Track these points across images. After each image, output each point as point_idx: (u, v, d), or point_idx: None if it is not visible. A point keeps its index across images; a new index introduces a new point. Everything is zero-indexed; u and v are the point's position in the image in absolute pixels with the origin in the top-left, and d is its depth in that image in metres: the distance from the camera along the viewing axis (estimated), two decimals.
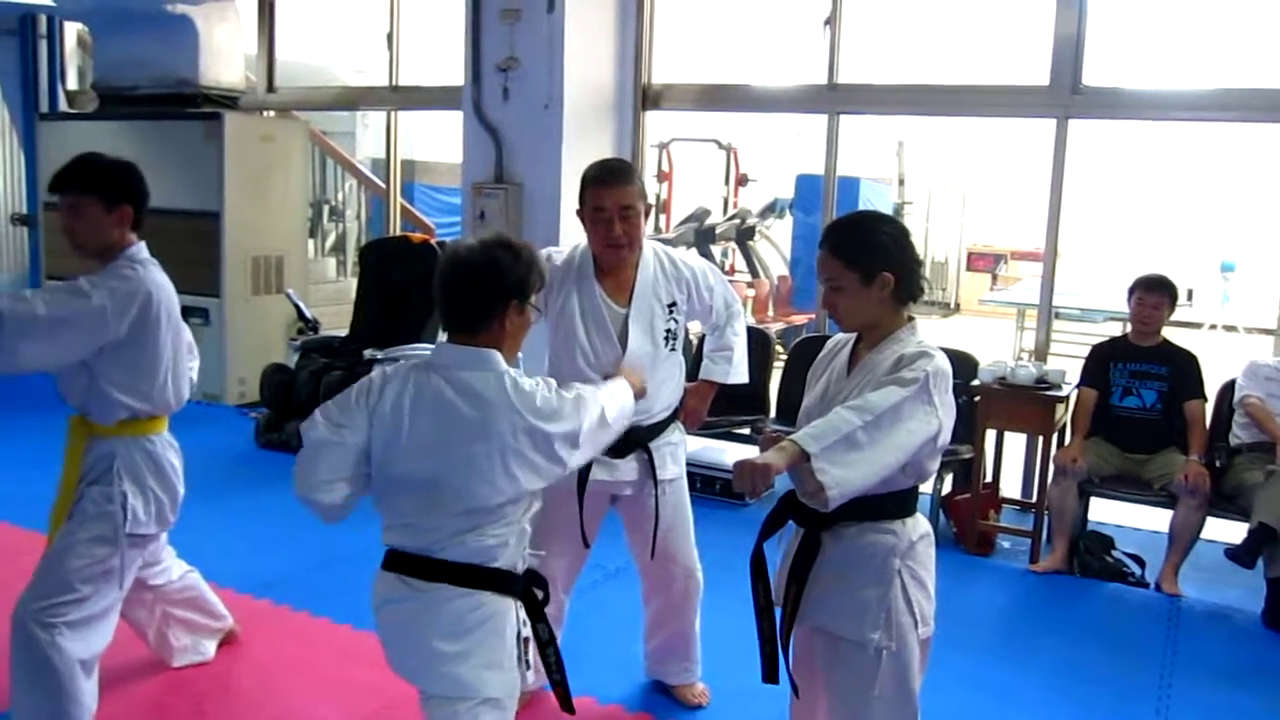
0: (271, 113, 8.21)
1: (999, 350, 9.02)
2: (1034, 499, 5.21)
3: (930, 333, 2.36)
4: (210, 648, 3.63)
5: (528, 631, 2.36)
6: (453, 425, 2.22)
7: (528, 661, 2.34)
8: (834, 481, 2.10)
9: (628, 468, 3.19)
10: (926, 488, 5.20)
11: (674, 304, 3.18)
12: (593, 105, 6.24)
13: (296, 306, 7.11)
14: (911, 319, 2.38)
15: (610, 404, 2.47)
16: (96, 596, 2.87)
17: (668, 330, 3.16)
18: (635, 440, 3.16)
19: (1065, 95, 5.49)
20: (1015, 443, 5.70)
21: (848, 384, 2.36)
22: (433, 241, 6.96)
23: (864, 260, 2.30)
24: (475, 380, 2.23)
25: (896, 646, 2.28)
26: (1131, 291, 4.95)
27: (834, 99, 6.10)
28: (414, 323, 6.68)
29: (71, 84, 8.73)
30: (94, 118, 8.01)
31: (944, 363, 2.27)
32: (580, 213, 3.14)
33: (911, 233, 2.43)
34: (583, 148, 6.01)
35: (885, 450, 2.14)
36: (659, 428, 3.22)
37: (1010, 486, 5.70)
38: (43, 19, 8.36)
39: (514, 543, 2.31)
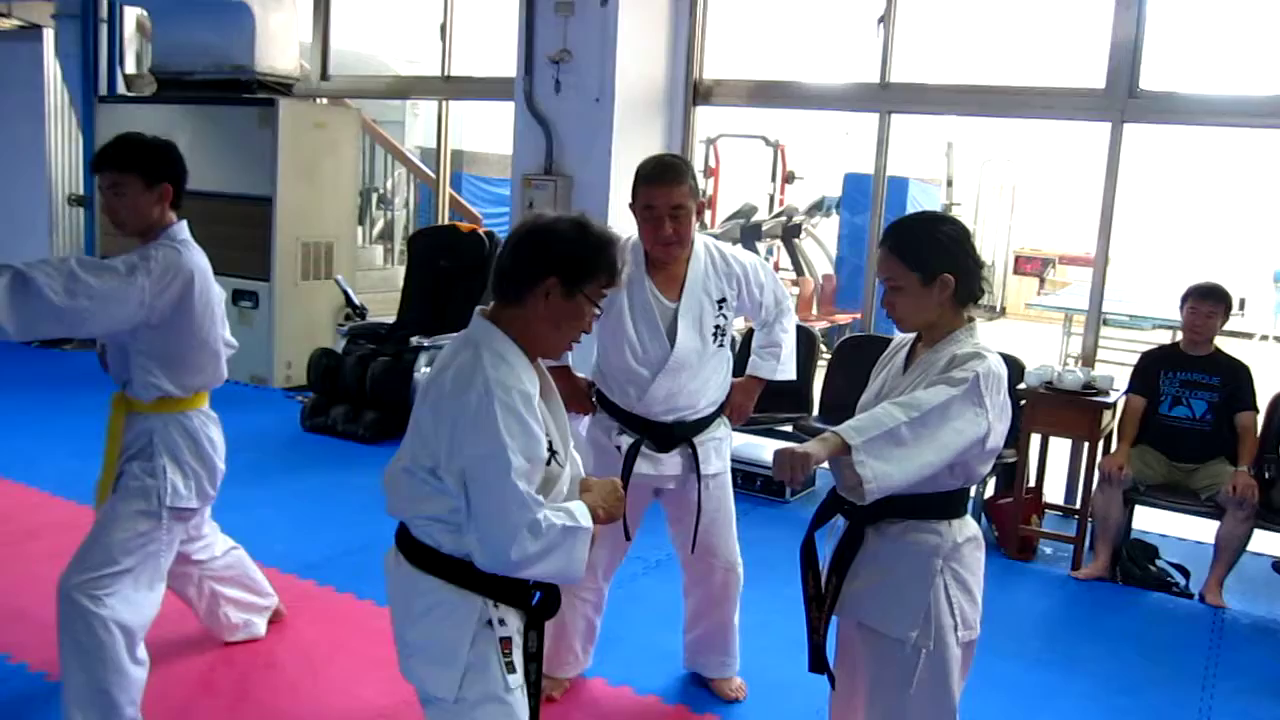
0: (324, 100, 8.30)
1: (1045, 356, 8.92)
2: (1077, 505, 5.17)
3: (987, 341, 2.34)
4: (262, 625, 3.69)
5: (506, 631, 2.11)
6: (426, 395, 2.08)
7: (510, 664, 2.10)
8: (873, 475, 2.10)
9: (672, 462, 3.20)
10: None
11: (724, 300, 3.18)
12: (644, 99, 6.26)
13: (345, 292, 7.19)
14: (971, 320, 2.37)
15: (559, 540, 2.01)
16: (140, 569, 2.92)
17: (717, 326, 3.17)
18: (680, 435, 3.18)
19: (1121, 99, 5.43)
20: (1060, 448, 5.66)
21: (903, 381, 2.36)
22: (480, 231, 7.01)
23: (925, 261, 2.29)
24: (460, 344, 2.09)
25: (935, 646, 2.28)
26: (1185, 299, 4.88)
27: (886, 98, 6.07)
28: (461, 311, 6.71)
29: (130, 68, 8.86)
30: (151, 101, 8.14)
31: (998, 365, 2.26)
32: (632, 207, 3.15)
33: (972, 234, 2.42)
34: (633, 141, 6.03)
35: (929, 448, 2.14)
36: (704, 423, 3.24)
37: (1054, 492, 5.65)
38: (104, 3, 8.48)
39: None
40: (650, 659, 3.67)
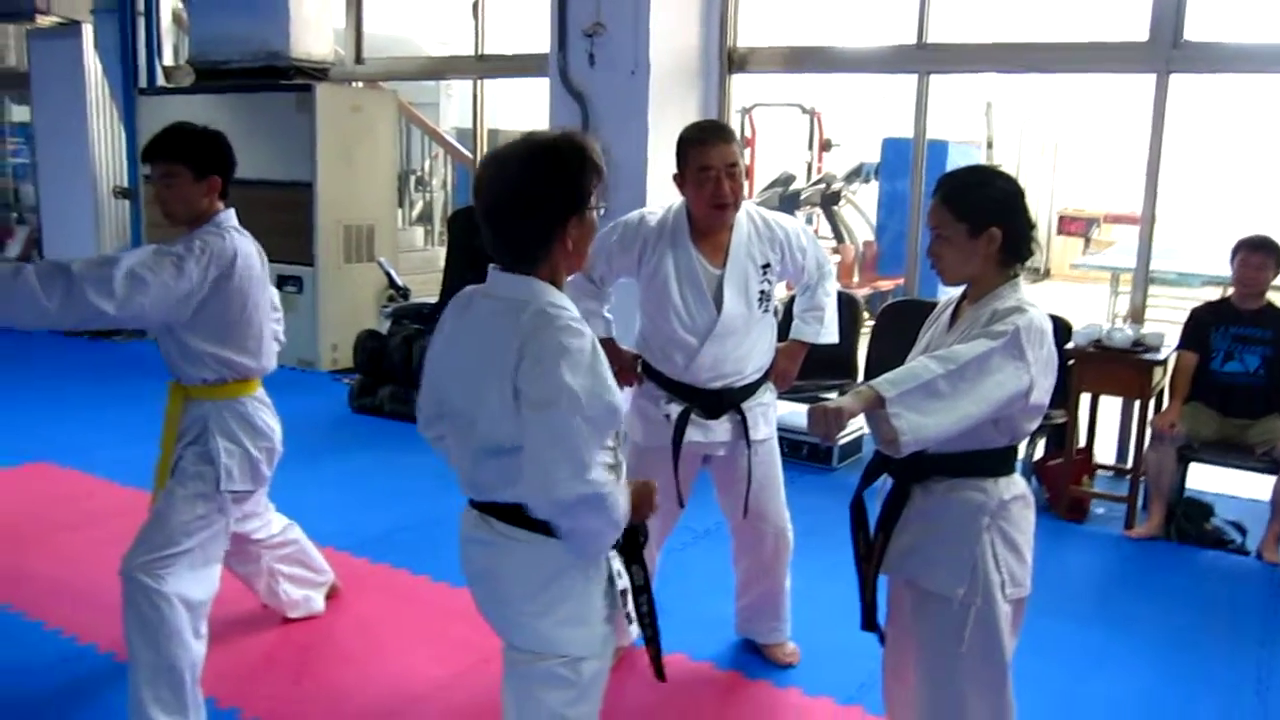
0: (360, 84, 8.34)
1: (1091, 317, 8.81)
2: (1129, 465, 5.11)
3: (1032, 297, 2.31)
4: (320, 601, 3.77)
5: (624, 583, 2.12)
6: (481, 360, 1.98)
7: (629, 615, 2.12)
8: (908, 428, 2.07)
9: (721, 429, 3.21)
10: (1018, 452, 5.19)
11: (768, 265, 3.18)
12: (679, 70, 6.23)
13: (388, 274, 7.25)
14: (1016, 276, 2.35)
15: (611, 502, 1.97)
16: (199, 549, 2.99)
17: (761, 291, 3.16)
18: (729, 401, 3.19)
19: (1166, 49, 5.32)
20: (1110, 408, 5.59)
21: (947, 339, 2.35)
22: None
23: (974, 213, 2.27)
24: (511, 308, 1.96)
25: (983, 603, 2.26)
26: (1235, 253, 4.80)
27: (923, 58, 6.00)
28: None
29: (168, 59, 8.95)
30: (190, 92, 8.23)
31: (1041, 318, 2.23)
32: (679, 176, 3.12)
33: (1026, 193, 2.36)
34: (669, 113, 6.00)
35: (968, 401, 2.11)
36: (751, 389, 3.24)
37: (1105, 452, 5.59)
38: None
39: None
40: (702, 626, 3.68)
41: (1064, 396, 4.95)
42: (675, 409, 3.18)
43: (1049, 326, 2.25)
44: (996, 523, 2.30)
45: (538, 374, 1.90)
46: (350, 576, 3.98)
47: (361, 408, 6.56)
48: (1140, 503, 4.85)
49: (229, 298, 2.97)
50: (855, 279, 11.09)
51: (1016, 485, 2.36)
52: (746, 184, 13.12)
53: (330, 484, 5.15)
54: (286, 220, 7.37)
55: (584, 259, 2.06)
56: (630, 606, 2.14)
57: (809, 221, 12.62)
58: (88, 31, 8.82)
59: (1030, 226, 2.33)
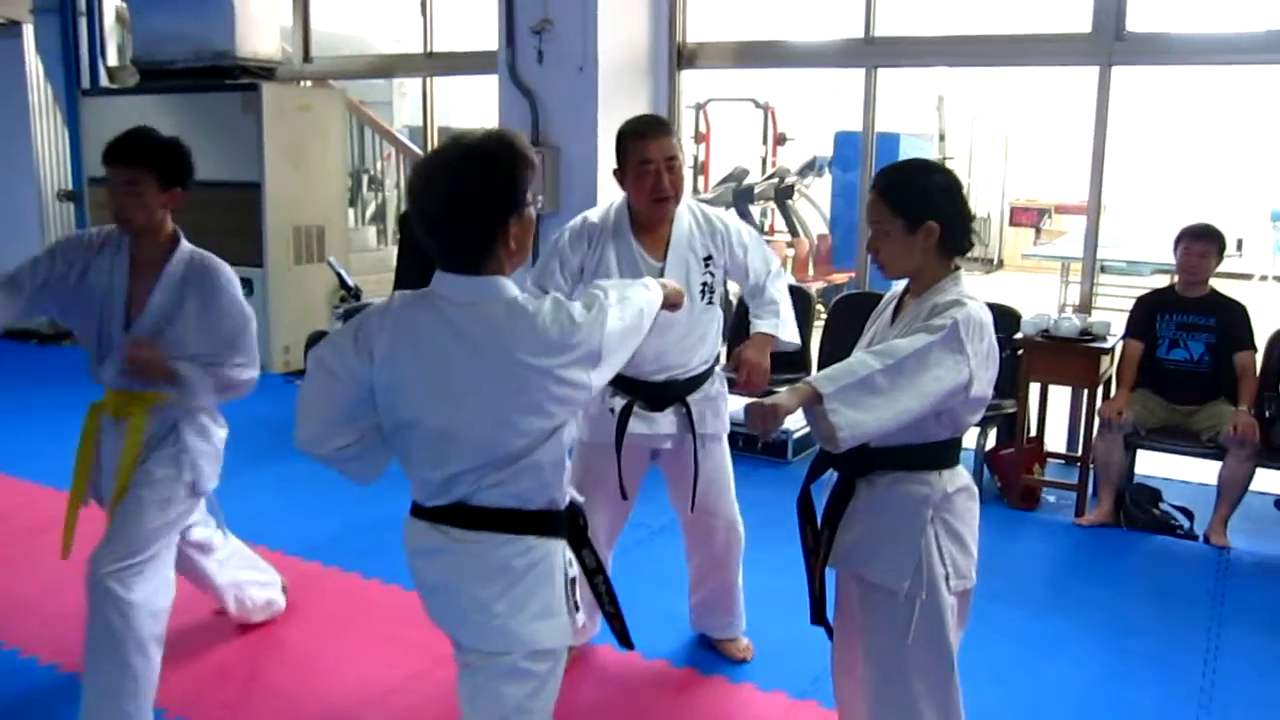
0: (309, 83, 8.24)
1: (1043, 306, 8.92)
2: (1079, 453, 5.17)
3: (975, 290, 2.32)
4: (282, 600, 3.72)
5: (575, 571, 2.16)
6: (460, 367, 1.95)
7: (576, 603, 2.14)
8: (846, 424, 2.07)
9: (666, 421, 3.20)
10: (970, 442, 5.23)
11: (710, 257, 3.18)
12: (628, 66, 6.22)
13: (339, 275, 7.17)
14: (957, 269, 2.35)
15: (631, 307, 2.10)
16: (166, 554, 2.95)
17: (704, 284, 3.16)
18: (673, 394, 3.18)
19: (1108, 42, 5.39)
20: (1060, 397, 5.66)
21: (890, 333, 2.35)
22: None
23: (910, 206, 2.27)
24: (480, 314, 1.96)
25: (928, 595, 2.27)
26: (1178, 241, 4.86)
27: (871, 53, 6.03)
28: None
29: (112, 60, 8.80)
30: (135, 92, 8.08)
31: (980, 311, 2.24)
32: (619, 171, 3.13)
33: (964, 185, 2.38)
34: (619, 109, 5.98)
35: (907, 396, 2.11)
36: (697, 381, 3.23)
37: (1055, 441, 5.66)
38: None
39: (552, 477, 2.07)
40: (658, 623, 3.67)
41: (1013, 386, 5.01)
42: (619, 402, 3.17)
43: (988, 319, 2.26)
44: (941, 515, 2.30)
45: (577, 338, 1.97)
46: (302, 581, 3.93)
47: None
48: (1090, 490, 4.91)
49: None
50: (810, 272, 11.13)
51: (960, 477, 2.37)
52: (701, 179, 13.16)
53: (281, 488, 5.09)
54: (235, 222, 7.25)
55: (526, 254, 2.05)
56: (578, 595, 2.15)
57: (764, 216, 12.67)
58: (29, 32, 8.64)
59: (968, 218, 2.33)
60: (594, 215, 3.24)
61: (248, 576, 3.58)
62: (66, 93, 8.38)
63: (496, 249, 1.97)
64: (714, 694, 3.33)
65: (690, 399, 3.20)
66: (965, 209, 2.33)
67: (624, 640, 2.39)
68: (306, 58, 8.25)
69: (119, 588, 2.83)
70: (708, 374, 3.27)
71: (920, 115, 15.96)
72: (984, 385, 2.22)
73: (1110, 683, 3.44)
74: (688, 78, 6.68)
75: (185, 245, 3.00)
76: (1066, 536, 4.74)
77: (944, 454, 2.34)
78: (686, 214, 3.19)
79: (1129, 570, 4.36)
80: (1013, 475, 5.07)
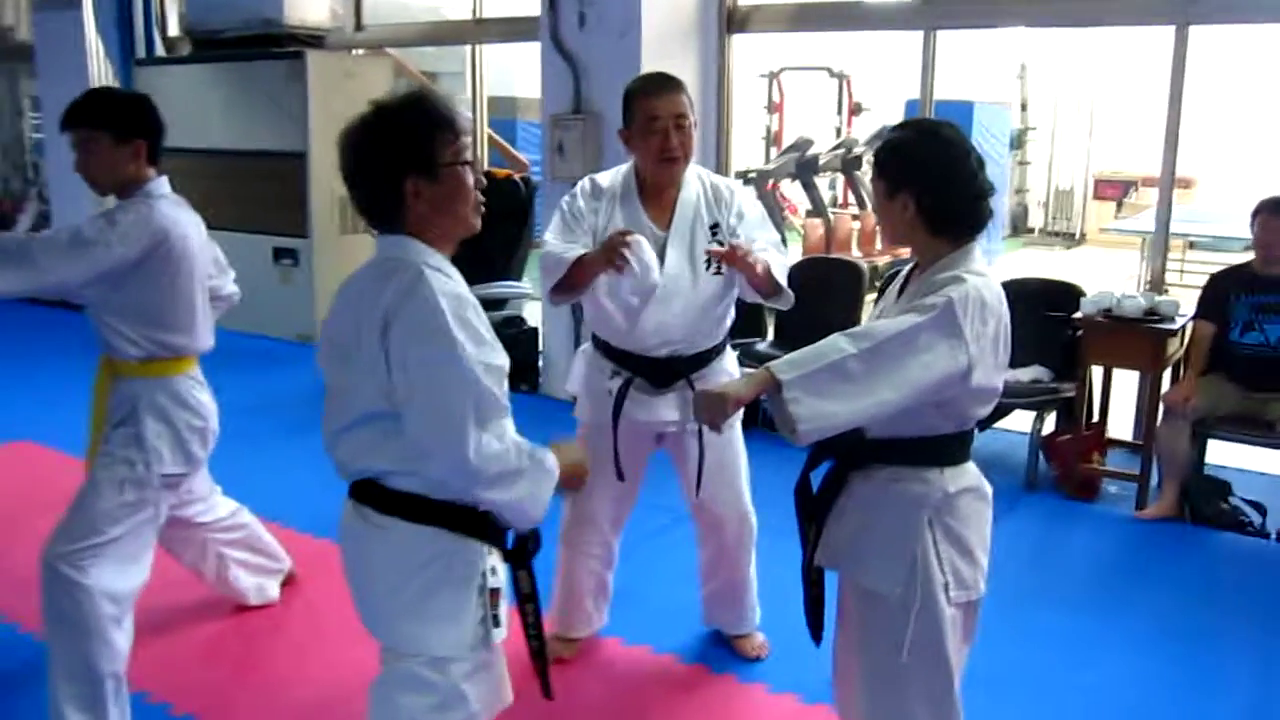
0: (361, 51, 8.14)
1: (1123, 283, 8.48)
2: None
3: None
4: (274, 589, 3.63)
5: (496, 582, 1.98)
6: (355, 315, 1.90)
7: (495, 618, 1.97)
8: (807, 414, 1.84)
9: (667, 404, 2.99)
10: (1024, 427, 4.92)
11: (717, 225, 2.96)
12: (674, 30, 5.96)
13: None
14: (967, 244, 2.08)
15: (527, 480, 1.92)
16: (127, 537, 2.83)
17: (710, 253, 2.93)
18: (675, 372, 2.96)
19: (1184, 1, 5.00)
20: (1128, 380, 5.30)
21: (894, 311, 2.11)
22: (517, 177, 6.83)
23: (885, 171, 2.04)
24: (385, 270, 1.90)
25: (923, 605, 2.03)
26: (1255, 215, 4.50)
27: (930, 13, 5.69)
28: (499, 259, 6.60)
29: (173, 29, 8.83)
30: (185, 62, 8.09)
31: (983, 290, 1.95)
32: (625, 131, 2.96)
33: (972, 154, 2.02)
34: None
35: (885, 385, 1.86)
36: (703, 359, 3.00)
37: (1121, 427, 5.31)
38: None
39: None
40: (671, 616, 3.50)
41: (1072, 368, 4.71)
42: (617, 384, 2.97)
43: (992, 297, 1.97)
44: (941, 518, 2.05)
45: (416, 336, 1.83)
46: (308, 559, 3.76)
47: None
48: (1154, 481, 4.59)
49: (154, 273, 2.82)
50: (876, 246, 10.76)
51: (966, 477, 2.11)
52: (774, 150, 12.78)
53: (312, 463, 4.99)
54: (281, 192, 7.21)
55: (456, 220, 1.95)
56: (501, 609, 1.98)
57: (831, 188, 12.32)
58: (88, 4, 8.68)
59: (965, 192, 2.02)
60: (602, 179, 3.07)
61: (240, 556, 3.49)
62: (122, 62, 8.40)
63: (403, 209, 1.91)
64: (720, 693, 3.15)
65: (695, 377, 2.96)
66: (960, 182, 2.01)
67: (544, 685, 2.12)
68: (359, 25, 8.14)
69: (71, 571, 2.74)
70: (716, 350, 3.04)
71: (1002, 83, 15.41)
72: (988, 373, 1.96)
73: (1157, 695, 3.16)
74: (742, 43, 6.39)
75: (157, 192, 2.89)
76: (1124, 530, 4.42)
77: (947, 449, 2.08)
78: (695, 180, 3.00)
79: (1189, 569, 4.05)
80: (1070, 463, 4.77)
